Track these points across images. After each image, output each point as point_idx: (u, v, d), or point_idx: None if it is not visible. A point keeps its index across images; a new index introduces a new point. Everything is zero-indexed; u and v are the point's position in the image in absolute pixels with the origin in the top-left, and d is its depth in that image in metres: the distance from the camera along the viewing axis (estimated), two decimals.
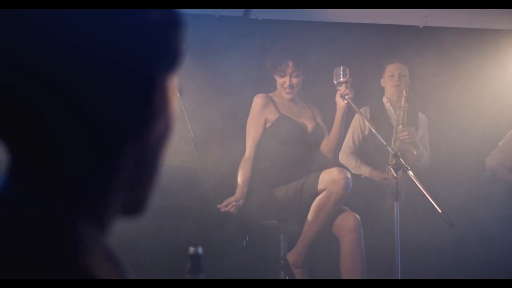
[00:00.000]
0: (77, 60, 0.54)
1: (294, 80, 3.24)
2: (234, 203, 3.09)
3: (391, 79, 3.78)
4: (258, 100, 3.26)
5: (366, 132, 3.75)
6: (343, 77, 3.01)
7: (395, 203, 2.66)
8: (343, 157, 3.70)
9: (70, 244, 0.52)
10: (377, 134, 2.83)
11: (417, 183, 2.56)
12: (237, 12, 3.99)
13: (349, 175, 2.96)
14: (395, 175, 2.68)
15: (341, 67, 3.02)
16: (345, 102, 3.01)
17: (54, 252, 0.51)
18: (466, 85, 4.29)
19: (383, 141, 2.83)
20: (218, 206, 3.11)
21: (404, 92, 3.66)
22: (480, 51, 4.28)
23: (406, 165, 2.64)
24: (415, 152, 3.60)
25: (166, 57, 0.60)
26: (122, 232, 0.72)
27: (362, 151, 3.72)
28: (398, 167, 2.65)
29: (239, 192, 3.12)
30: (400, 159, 2.67)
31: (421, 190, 2.53)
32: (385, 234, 2.99)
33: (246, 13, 4.01)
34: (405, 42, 4.18)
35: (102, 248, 0.55)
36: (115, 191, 0.59)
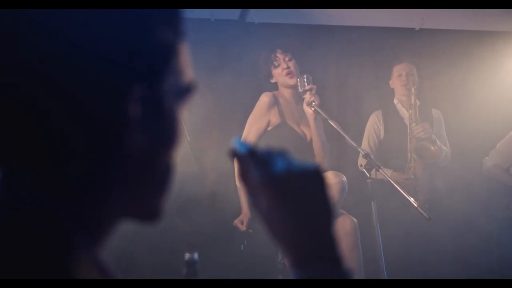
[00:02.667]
0: (60, 58, 0.54)
1: (290, 63, 3.24)
2: (244, 222, 3.11)
3: (399, 79, 3.78)
4: (265, 99, 3.23)
5: (382, 136, 3.75)
6: (307, 85, 3.04)
7: (372, 202, 2.72)
8: (361, 161, 3.70)
9: (66, 247, 0.53)
10: (345, 136, 2.87)
11: (390, 180, 2.67)
12: (233, 15, 3.99)
13: (344, 179, 2.96)
14: (368, 175, 2.74)
15: (305, 76, 3.06)
16: (312, 109, 3.03)
17: (53, 253, 0.51)
18: (463, 86, 4.29)
19: (353, 143, 2.90)
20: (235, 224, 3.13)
21: (413, 89, 3.66)
22: (476, 52, 4.28)
23: (377, 164, 2.72)
24: (433, 148, 3.58)
25: (148, 60, 0.58)
26: (118, 236, 0.71)
27: (380, 154, 3.71)
28: (370, 167, 2.72)
29: (244, 207, 3.16)
30: (372, 157, 2.75)
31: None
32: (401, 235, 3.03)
33: (242, 16, 4.00)
34: (401, 44, 4.18)
35: (94, 254, 0.55)
36: (116, 193, 0.59)
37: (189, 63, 0.64)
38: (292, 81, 3.22)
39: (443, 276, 3.36)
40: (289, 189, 0.67)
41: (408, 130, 3.63)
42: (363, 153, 2.79)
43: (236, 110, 3.66)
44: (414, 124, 3.61)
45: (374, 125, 3.78)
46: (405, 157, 3.57)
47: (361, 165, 2.84)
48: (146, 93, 0.57)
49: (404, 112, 3.77)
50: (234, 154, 0.70)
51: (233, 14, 3.97)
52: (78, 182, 0.56)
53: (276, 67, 3.25)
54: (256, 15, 4.00)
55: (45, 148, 0.55)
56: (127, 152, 0.58)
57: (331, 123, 2.89)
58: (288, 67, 3.22)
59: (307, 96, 3.03)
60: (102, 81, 0.55)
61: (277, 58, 3.25)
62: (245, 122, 3.28)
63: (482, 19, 4.07)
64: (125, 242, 2.80)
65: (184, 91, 0.63)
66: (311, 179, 0.69)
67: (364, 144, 3.74)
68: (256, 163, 0.69)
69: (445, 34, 4.33)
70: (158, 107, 0.59)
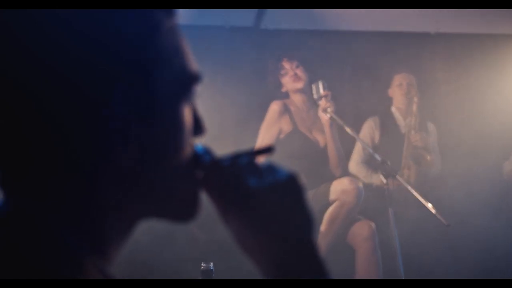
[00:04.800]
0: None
1: (297, 70, 3.26)
2: None
3: (399, 88, 3.81)
4: (274, 107, 3.24)
5: (376, 141, 3.74)
6: (322, 91, 3.04)
7: (389, 209, 2.71)
8: (353, 166, 3.68)
9: (62, 250, 0.52)
10: (361, 142, 2.88)
11: (407, 186, 2.69)
12: (248, 22, 3.99)
13: (360, 185, 2.96)
14: (385, 181, 2.74)
15: (319, 82, 3.07)
16: (328, 115, 3.02)
17: (48, 256, 0.51)
18: (480, 91, 4.25)
19: (369, 149, 2.97)
20: None
21: (416, 98, 3.70)
22: (492, 56, 4.24)
23: (394, 171, 2.74)
24: (428, 157, 3.62)
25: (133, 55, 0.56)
26: (134, 244, 0.70)
27: (373, 159, 3.70)
28: (387, 174, 2.72)
29: None
30: (388, 163, 2.77)
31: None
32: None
33: (257, 23, 4.00)
34: (416, 50, 4.16)
35: (92, 259, 0.54)
36: (116, 198, 0.57)
37: (187, 53, 0.61)
38: (299, 85, 3.24)
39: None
40: (259, 203, 0.62)
41: (406, 138, 3.67)
42: (379, 159, 2.78)
43: (251, 115, 3.65)
44: (413, 132, 3.64)
45: (369, 130, 3.78)
46: (398, 164, 3.56)
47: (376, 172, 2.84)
48: (133, 96, 0.55)
49: (401, 121, 3.80)
50: (197, 162, 0.63)
51: (247, 21, 3.97)
52: (75, 185, 0.55)
53: (283, 75, 3.27)
54: (270, 21, 3.99)
55: (37, 154, 0.54)
56: (124, 157, 0.56)
57: (347, 129, 2.88)
58: (295, 74, 3.24)
59: (322, 102, 3.02)
60: (82, 86, 0.53)
61: (284, 67, 3.26)
62: (260, 127, 3.30)
63: (496, 21, 4.03)
64: (140, 251, 2.80)
65: (184, 83, 0.60)
66: (286, 191, 0.63)
67: (357, 147, 3.72)
68: (221, 174, 0.63)
69: (461, 38, 4.30)
70: (151, 107, 0.57)
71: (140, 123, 0.56)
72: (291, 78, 3.24)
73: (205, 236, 3.11)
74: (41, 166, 0.54)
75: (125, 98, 0.55)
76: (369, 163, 3.69)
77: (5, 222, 0.53)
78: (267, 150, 0.68)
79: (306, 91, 3.23)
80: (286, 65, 3.26)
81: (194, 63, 0.62)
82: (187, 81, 0.61)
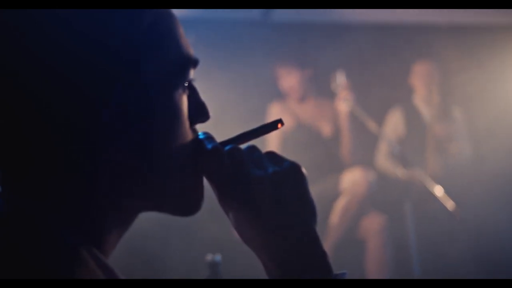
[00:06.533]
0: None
1: (292, 78, 3.26)
2: None
3: (420, 77, 3.76)
4: (274, 111, 3.29)
5: (400, 133, 3.71)
6: (341, 81, 3.08)
7: (406, 202, 2.70)
8: (381, 161, 3.64)
9: (62, 248, 0.52)
10: (379, 132, 2.87)
11: (426, 179, 2.71)
12: (256, 15, 3.97)
13: (371, 176, 2.95)
14: (405, 174, 2.74)
15: (338, 72, 3.11)
16: (347, 106, 3.02)
17: (46, 254, 0.51)
18: (498, 81, 4.21)
19: (386, 140, 2.98)
20: None
21: (435, 88, 3.66)
22: (507, 47, 4.20)
23: (411, 164, 2.70)
24: (452, 148, 3.59)
25: (131, 50, 0.55)
26: (138, 237, 0.69)
27: (399, 152, 3.67)
28: (408, 166, 2.73)
29: None
30: (405, 157, 2.74)
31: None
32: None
33: (265, 16, 3.98)
34: (431, 40, 4.12)
35: (93, 255, 0.54)
36: (119, 193, 0.57)
37: (179, 37, 0.60)
38: (295, 96, 3.24)
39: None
40: (260, 195, 0.60)
41: (429, 129, 3.62)
42: (399, 152, 2.78)
43: (260, 114, 3.64)
44: (436, 122, 3.60)
45: (393, 122, 3.74)
46: (422, 156, 3.53)
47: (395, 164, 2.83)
48: (133, 96, 0.55)
49: (423, 111, 3.76)
50: (199, 150, 0.61)
51: (254, 13, 3.94)
52: (73, 188, 0.55)
53: (280, 80, 3.29)
54: (279, 15, 3.97)
55: (37, 154, 0.54)
56: (124, 157, 0.56)
57: (364, 120, 2.89)
58: (290, 83, 3.24)
59: (342, 93, 3.04)
60: (82, 86, 0.53)
61: (277, 73, 3.29)
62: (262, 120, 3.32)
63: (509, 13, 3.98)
64: (150, 243, 2.81)
65: (179, 70, 0.59)
66: (288, 182, 0.61)
67: (383, 142, 3.70)
68: (222, 163, 0.61)
69: (475, 29, 4.26)
70: (151, 107, 0.57)
71: (140, 122, 0.56)
72: (287, 86, 3.26)
73: (216, 227, 3.12)
74: (41, 166, 0.55)
75: (125, 98, 0.55)
76: (395, 156, 3.65)
77: (5, 222, 0.54)
78: (275, 124, 0.66)
79: (306, 95, 3.25)
80: (282, 71, 3.27)
81: (188, 47, 0.61)
82: (182, 67, 0.60)
